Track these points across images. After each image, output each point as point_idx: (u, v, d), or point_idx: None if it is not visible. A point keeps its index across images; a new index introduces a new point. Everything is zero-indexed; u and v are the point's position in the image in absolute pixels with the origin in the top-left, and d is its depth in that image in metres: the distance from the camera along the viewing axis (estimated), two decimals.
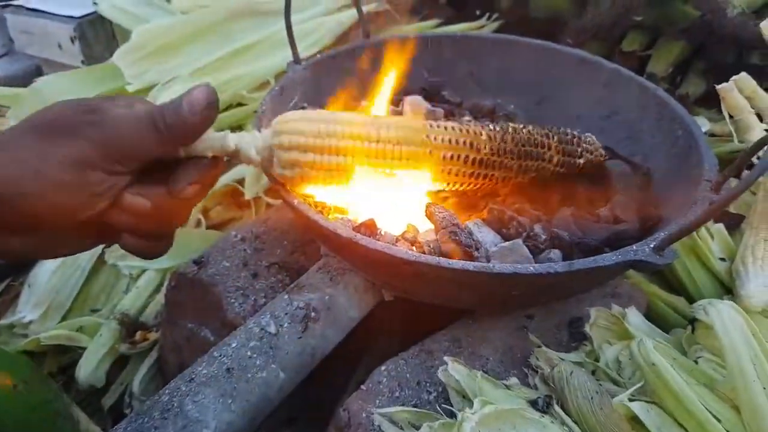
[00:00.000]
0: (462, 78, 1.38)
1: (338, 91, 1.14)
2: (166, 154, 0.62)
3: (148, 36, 1.42)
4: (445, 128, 0.92)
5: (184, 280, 1.03)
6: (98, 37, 1.65)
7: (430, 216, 0.89)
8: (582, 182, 0.99)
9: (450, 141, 0.91)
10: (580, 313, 0.88)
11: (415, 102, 1.14)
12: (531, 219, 0.94)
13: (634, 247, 0.69)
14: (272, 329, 0.84)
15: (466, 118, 1.17)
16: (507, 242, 0.85)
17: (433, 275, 0.72)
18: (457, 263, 0.70)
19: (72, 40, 1.61)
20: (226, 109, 1.40)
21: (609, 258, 0.70)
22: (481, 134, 0.93)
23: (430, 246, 0.85)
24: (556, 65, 1.22)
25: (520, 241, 0.85)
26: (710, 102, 1.41)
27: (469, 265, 0.69)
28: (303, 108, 1.14)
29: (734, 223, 1.01)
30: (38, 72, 1.74)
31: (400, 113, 1.14)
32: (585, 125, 1.13)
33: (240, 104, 1.42)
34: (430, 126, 0.92)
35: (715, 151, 0.85)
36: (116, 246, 0.74)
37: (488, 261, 0.80)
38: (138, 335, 1.15)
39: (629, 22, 1.41)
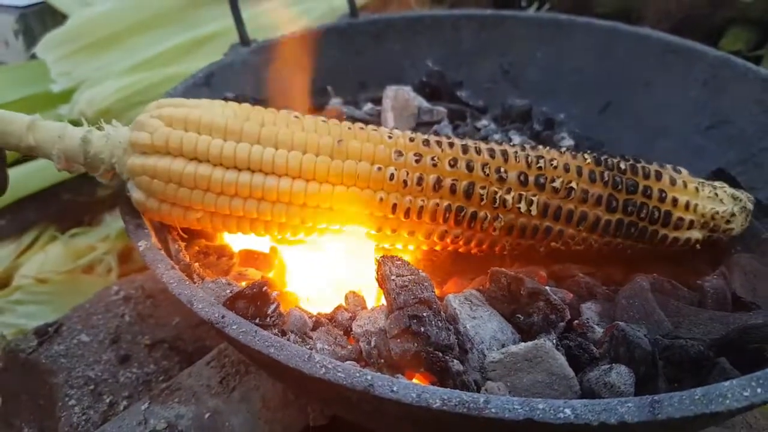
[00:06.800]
0: (489, 77, 0.98)
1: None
2: None
3: (85, 24, 1.10)
4: (439, 145, 0.53)
5: (15, 361, 0.65)
6: (46, 31, 1.36)
7: (381, 281, 0.48)
8: None
9: (436, 180, 0.50)
10: None
11: (401, 95, 0.73)
12: (575, 294, 0.50)
13: None
14: None
15: (483, 122, 0.75)
16: (522, 344, 0.42)
17: (366, 407, 0.41)
18: (408, 389, 0.37)
19: (15, 34, 1.30)
20: None
21: (735, 394, 0.37)
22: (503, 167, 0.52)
23: (370, 342, 0.44)
24: (630, 56, 0.90)
25: (548, 341, 0.42)
26: None
27: (432, 395, 0.37)
28: None
29: None
30: None
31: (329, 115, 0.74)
32: (673, 142, 0.83)
33: None
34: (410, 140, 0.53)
35: None
36: None
37: (479, 383, 0.39)
38: None
39: (733, 6, 0.97)
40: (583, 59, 0.94)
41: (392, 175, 0.52)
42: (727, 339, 0.49)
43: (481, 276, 0.53)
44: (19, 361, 0.67)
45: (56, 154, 0.51)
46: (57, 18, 1.42)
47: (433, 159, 0.53)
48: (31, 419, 0.69)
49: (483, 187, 0.53)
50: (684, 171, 0.62)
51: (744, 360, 0.49)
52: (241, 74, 0.85)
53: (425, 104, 0.76)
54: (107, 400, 0.64)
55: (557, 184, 0.54)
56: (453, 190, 0.52)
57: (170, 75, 1.09)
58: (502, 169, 0.53)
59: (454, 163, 0.53)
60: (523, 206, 0.53)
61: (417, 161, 0.52)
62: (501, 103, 0.86)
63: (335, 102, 0.84)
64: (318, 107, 0.84)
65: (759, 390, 0.38)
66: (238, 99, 0.80)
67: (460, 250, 0.57)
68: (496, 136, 0.73)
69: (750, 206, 0.62)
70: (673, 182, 0.59)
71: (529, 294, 0.46)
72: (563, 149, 0.57)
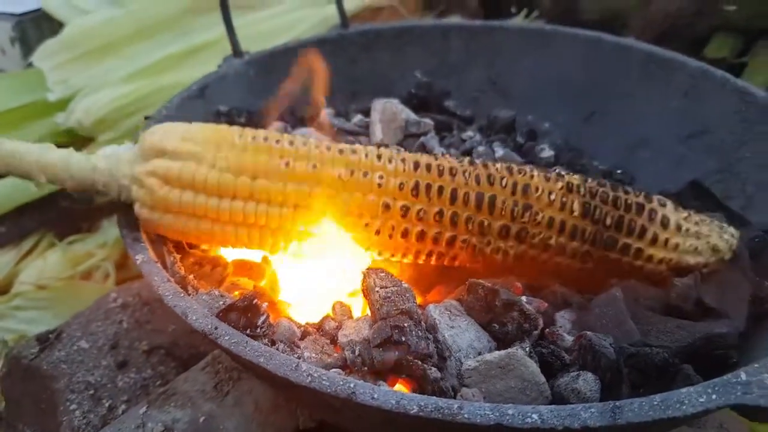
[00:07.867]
0: (477, 86, 1.00)
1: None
2: None
3: (82, 33, 1.11)
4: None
5: (18, 366, 0.67)
6: (43, 38, 1.37)
7: (366, 293, 0.50)
8: None
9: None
10: None
11: (388, 108, 0.75)
12: (550, 304, 0.53)
13: (743, 377, 0.41)
14: None
15: (469, 133, 0.78)
16: (496, 352, 0.45)
17: (349, 412, 0.44)
18: (387, 396, 0.40)
19: (12, 42, 1.31)
20: None
21: (691, 400, 0.40)
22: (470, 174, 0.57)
23: (354, 350, 0.46)
24: (614, 66, 0.92)
25: (520, 350, 0.45)
26: None
27: (410, 401, 0.39)
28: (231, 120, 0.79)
29: None
30: None
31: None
32: (655, 151, 0.86)
33: None
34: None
35: None
36: None
37: (456, 389, 0.42)
38: None
39: (717, 14, 1.00)
40: (568, 69, 0.95)
41: (378, 231, 0.57)
42: (694, 347, 0.52)
43: (462, 286, 0.56)
44: (22, 367, 0.70)
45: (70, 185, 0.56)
46: (54, 26, 1.43)
47: (419, 213, 0.56)
48: (34, 423, 0.71)
49: (464, 241, 0.58)
50: (669, 207, 0.63)
51: (710, 365, 0.52)
52: (235, 86, 0.87)
53: (412, 116, 0.79)
54: (106, 405, 0.66)
55: (536, 241, 0.58)
56: (436, 240, 0.58)
57: (167, 84, 1.11)
58: (486, 223, 0.57)
59: (439, 218, 0.56)
60: (499, 257, 0.59)
61: (403, 216, 0.56)
62: (486, 114, 0.88)
63: (326, 112, 0.86)
64: (309, 118, 0.87)
65: (714, 396, 0.41)
66: (231, 112, 0.82)
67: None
68: (480, 148, 0.76)
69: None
70: (655, 240, 0.60)
71: (504, 305, 0.49)
72: (553, 180, 0.58)
